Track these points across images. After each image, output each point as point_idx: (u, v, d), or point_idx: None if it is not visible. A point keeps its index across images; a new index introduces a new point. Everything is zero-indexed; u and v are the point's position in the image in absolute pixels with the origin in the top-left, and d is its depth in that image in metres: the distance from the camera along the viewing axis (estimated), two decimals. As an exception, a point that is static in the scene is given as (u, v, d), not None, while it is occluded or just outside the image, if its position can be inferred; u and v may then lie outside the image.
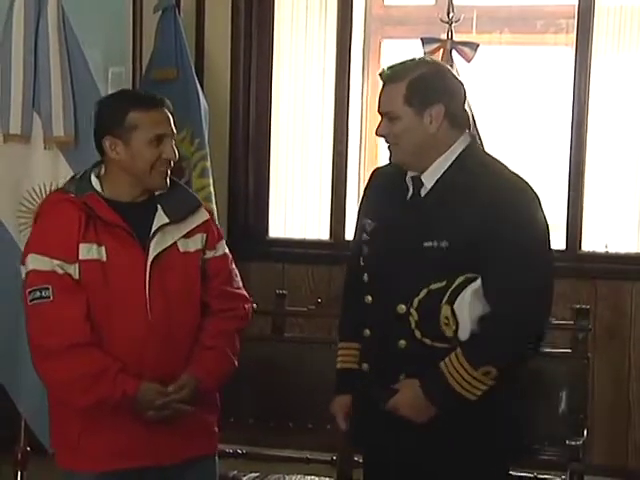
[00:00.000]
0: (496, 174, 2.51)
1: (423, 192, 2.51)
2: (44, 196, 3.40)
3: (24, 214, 3.42)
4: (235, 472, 3.33)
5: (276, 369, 3.28)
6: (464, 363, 2.39)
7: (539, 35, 4.74)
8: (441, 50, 4.20)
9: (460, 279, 2.42)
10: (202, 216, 2.75)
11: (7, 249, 3.41)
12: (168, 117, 2.67)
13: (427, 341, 2.45)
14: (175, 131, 2.69)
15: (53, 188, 3.41)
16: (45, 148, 3.42)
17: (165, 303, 2.65)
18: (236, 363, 2.78)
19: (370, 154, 4.89)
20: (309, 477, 3.34)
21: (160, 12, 4.30)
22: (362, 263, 2.60)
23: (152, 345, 2.64)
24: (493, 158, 2.57)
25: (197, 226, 2.73)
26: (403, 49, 4.79)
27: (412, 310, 2.45)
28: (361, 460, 2.84)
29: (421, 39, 4.24)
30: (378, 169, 2.73)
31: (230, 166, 4.72)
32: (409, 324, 2.46)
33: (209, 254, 2.76)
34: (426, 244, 2.44)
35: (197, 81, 4.28)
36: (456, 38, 4.19)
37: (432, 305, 2.43)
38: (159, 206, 2.69)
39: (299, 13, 4.79)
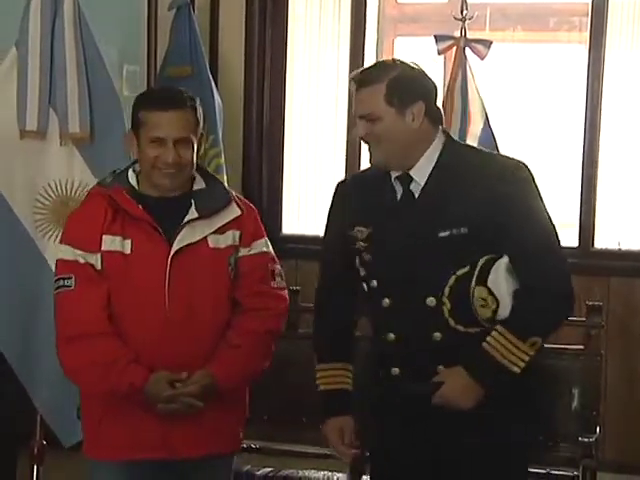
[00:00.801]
0: (490, 156, 2.63)
1: (415, 188, 2.51)
2: (60, 192, 3.41)
3: (40, 210, 3.42)
4: (249, 467, 3.33)
5: (290, 365, 3.28)
6: (512, 338, 2.41)
7: (552, 33, 4.73)
8: (454, 48, 4.19)
9: (482, 261, 2.45)
10: (233, 212, 2.73)
11: (23, 244, 3.41)
12: (177, 119, 2.64)
13: (460, 328, 2.46)
14: (188, 134, 2.64)
15: (69, 184, 3.42)
16: (61, 144, 3.41)
17: (187, 298, 2.65)
18: (266, 364, 2.76)
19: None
20: (322, 472, 3.34)
21: (175, 10, 4.31)
22: (362, 271, 2.57)
23: (169, 339, 2.64)
24: (468, 145, 2.63)
25: (229, 222, 2.71)
26: (416, 47, 4.79)
27: (444, 299, 2.45)
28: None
29: (434, 37, 4.23)
30: (342, 182, 2.74)
31: (244, 163, 4.73)
32: (442, 314, 2.46)
33: (243, 252, 2.73)
34: (442, 234, 2.45)
35: (211, 78, 4.28)
36: (469, 36, 4.18)
37: (463, 290, 2.44)
38: (193, 201, 2.69)
39: (313, 11, 4.79)
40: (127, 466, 2.70)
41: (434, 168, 2.51)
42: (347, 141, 4.72)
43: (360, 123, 2.50)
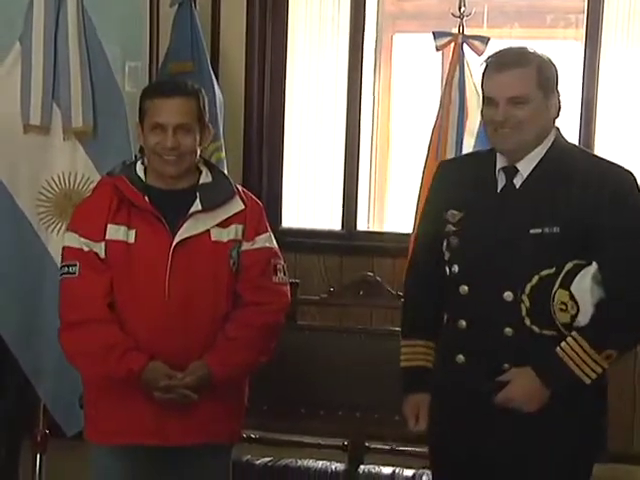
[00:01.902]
0: (596, 159, 2.55)
1: (518, 181, 2.47)
2: (63, 186, 3.42)
3: (43, 203, 3.43)
4: (249, 457, 3.34)
5: (289, 356, 3.28)
6: (587, 347, 2.37)
7: (549, 29, 4.72)
8: (452, 44, 4.18)
9: (569, 265, 2.41)
10: (237, 206, 2.74)
11: (27, 237, 3.42)
12: (178, 106, 2.66)
13: (535, 328, 2.42)
14: (188, 121, 2.66)
15: (72, 178, 3.43)
16: (64, 139, 3.42)
17: (186, 289, 2.66)
18: (263, 358, 2.76)
19: (382, 146, 4.89)
20: (321, 462, 3.35)
21: (176, 6, 4.30)
22: (447, 255, 2.54)
23: (168, 329, 2.66)
24: (576, 145, 2.57)
25: (233, 216, 2.72)
26: (415, 43, 4.78)
27: (524, 297, 2.42)
28: (431, 450, 2.72)
29: (433, 33, 4.22)
30: (445, 162, 2.71)
31: (244, 157, 4.72)
32: (519, 311, 2.42)
33: (245, 246, 2.74)
34: (533, 231, 2.41)
35: (212, 74, 4.28)
36: (467, 32, 4.17)
37: (544, 291, 2.40)
38: (198, 194, 2.69)
39: (313, 6, 4.78)
40: (124, 450, 2.73)
41: (539, 163, 2.47)
42: (346, 136, 4.71)
43: (500, 106, 2.43)
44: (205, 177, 2.76)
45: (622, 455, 4.40)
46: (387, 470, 3.29)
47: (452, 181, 2.60)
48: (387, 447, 3.33)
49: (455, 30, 4.18)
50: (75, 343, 2.70)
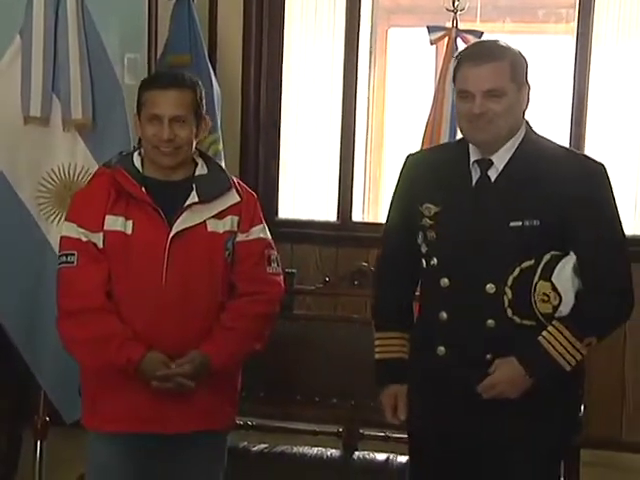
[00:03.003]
0: (566, 151, 2.56)
1: (492, 173, 2.47)
2: (63, 177, 3.42)
3: (43, 194, 3.43)
4: (245, 443, 3.33)
5: (285, 345, 3.28)
6: (569, 336, 2.39)
7: (540, 24, 4.73)
8: (446, 38, 4.17)
9: (547, 257, 2.41)
10: (232, 198, 2.73)
11: (28, 227, 3.42)
12: (174, 98, 2.64)
13: (517, 319, 2.43)
14: (184, 112, 2.65)
15: (71, 169, 3.42)
16: (64, 130, 3.41)
17: (183, 280, 2.66)
18: (258, 346, 2.75)
19: (377, 138, 4.89)
20: (316, 448, 3.34)
21: (175, 0, 4.29)
22: (424, 248, 2.53)
23: (164, 319, 2.65)
24: (545, 137, 2.56)
25: (228, 207, 2.71)
26: (409, 37, 4.78)
27: (506, 289, 2.41)
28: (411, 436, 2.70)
29: (427, 27, 4.21)
30: (413, 155, 2.66)
31: (241, 149, 4.72)
32: (502, 303, 2.42)
33: (240, 237, 2.73)
34: (513, 224, 2.41)
35: (210, 66, 4.27)
36: (461, 26, 4.16)
37: (525, 283, 2.41)
38: (194, 185, 2.69)
39: (309, 1, 4.77)
40: (121, 438, 2.72)
41: (513, 156, 2.47)
42: (342, 129, 4.71)
43: (477, 99, 2.41)
44: (201, 169, 2.75)
45: (611, 442, 4.42)
46: (381, 456, 3.28)
47: (423, 174, 2.58)
48: (381, 434, 3.33)
49: (449, 24, 4.17)
50: (73, 332, 2.69)
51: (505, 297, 2.42)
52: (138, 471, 2.76)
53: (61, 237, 2.76)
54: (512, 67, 2.43)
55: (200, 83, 2.75)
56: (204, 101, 2.74)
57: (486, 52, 2.46)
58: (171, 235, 2.65)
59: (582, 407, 2.97)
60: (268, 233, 2.82)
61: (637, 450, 4.44)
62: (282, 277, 2.82)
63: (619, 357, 4.46)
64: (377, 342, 2.66)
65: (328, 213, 4.81)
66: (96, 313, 2.65)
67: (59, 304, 2.74)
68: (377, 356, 2.66)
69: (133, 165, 2.72)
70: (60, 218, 3.38)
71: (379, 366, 2.66)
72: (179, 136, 2.65)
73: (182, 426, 2.70)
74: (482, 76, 2.41)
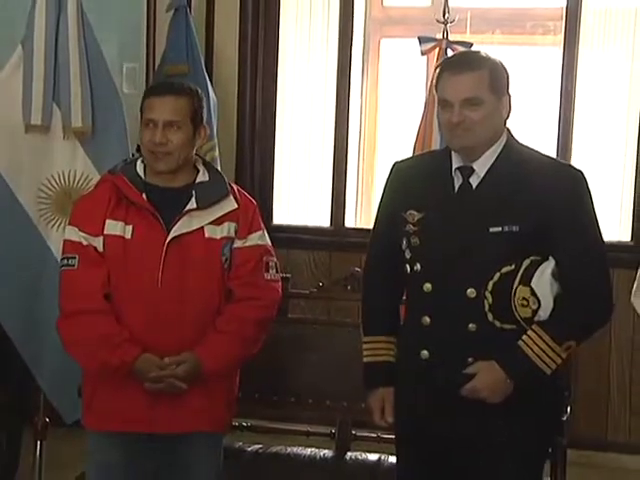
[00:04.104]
0: (547, 159, 2.53)
1: (474, 180, 2.46)
2: (63, 183, 3.41)
3: (44, 200, 3.42)
4: (240, 443, 3.33)
5: (280, 348, 3.28)
6: (548, 340, 2.38)
7: (529, 36, 4.74)
8: (437, 49, 4.18)
9: (527, 262, 2.41)
10: (230, 205, 2.72)
11: (27, 232, 3.42)
12: (170, 103, 2.65)
13: (497, 323, 2.42)
14: (178, 118, 2.65)
15: (71, 176, 3.42)
16: (64, 138, 3.41)
17: (179, 282, 2.66)
18: (253, 351, 2.74)
19: (369, 146, 4.89)
20: (309, 449, 3.34)
21: (172, 11, 4.29)
22: (408, 254, 2.52)
23: (160, 322, 2.65)
24: (526, 145, 2.54)
25: (226, 214, 2.70)
26: (401, 48, 4.78)
27: (487, 293, 2.40)
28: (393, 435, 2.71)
29: (418, 38, 4.22)
30: (400, 162, 2.65)
31: (237, 156, 4.72)
32: (482, 307, 2.41)
33: (238, 243, 2.72)
34: (492, 230, 2.40)
35: (207, 76, 4.28)
36: (451, 38, 4.17)
37: (505, 287, 2.40)
38: (194, 192, 2.68)
39: (303, 12, 4.78)
40: (118, 437, 2.72)
41: (494, 163, 2.46)
42: (335, 138, 4.72)
43: (455, 108, 2.40)
44: (202, 176, 2.75)
45: (597, 442, 4.42)
46: (373, 457, 3.28)
47: (408, 181, 2.57)
48: (373, 435, 3.32)
49: (440, 36, 4.18)
50: (72, 333, 2.70)
51: (486, 302, 2.42)
52: (136, 469, 2.76)
53: (64, 240, 2.76)
54: (490, 77, 2.41)
55: (200, 92, 2.75)
56: (204, 110, 2.74)
57: (465, 62, 2.46)
58: (168, 240, 2.65)
59: (568, 409, 2.99)
60: (268, 240, 2.81)
61: (621, 450, 4.44)
62: (280, 284, 2.81)
63: (604, 359, 4.47)
64: (365, 346, 2.66)
65: (321, 219, 4.81)
66: (93, 315, 2.65)
67: (60, 305, 2.75)
68: (365, 360, 2.65)
69: (136, 172, 2.73)
70: (60, 223, 3.39)
71: (367, 369, 2.66)
72: (171, 141, 2.65)
73: (173, 427, 2.70)
74: (460, 85, 2.41)
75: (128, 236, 2.67)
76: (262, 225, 2.81)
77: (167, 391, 2.64)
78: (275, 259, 2.80)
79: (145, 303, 2.65)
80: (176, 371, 2.62)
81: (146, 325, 2.65)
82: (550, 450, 2.83)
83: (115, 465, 2.76)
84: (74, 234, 2.71)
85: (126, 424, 2.69)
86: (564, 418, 2.84)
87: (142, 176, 2.72)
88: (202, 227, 2.68)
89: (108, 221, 2.68)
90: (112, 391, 2.69)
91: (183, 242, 2.67)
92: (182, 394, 2.65)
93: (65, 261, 2.72)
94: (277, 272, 2.79)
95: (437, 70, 2.55)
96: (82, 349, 2.69)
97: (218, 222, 2.70)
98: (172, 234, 2.66)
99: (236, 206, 2.73)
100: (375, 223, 2.69)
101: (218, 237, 2.70)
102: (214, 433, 2.79)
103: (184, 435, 2.71)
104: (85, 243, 2.69)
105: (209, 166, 2.81)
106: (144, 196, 2.69)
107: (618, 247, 4.38)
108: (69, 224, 2.78)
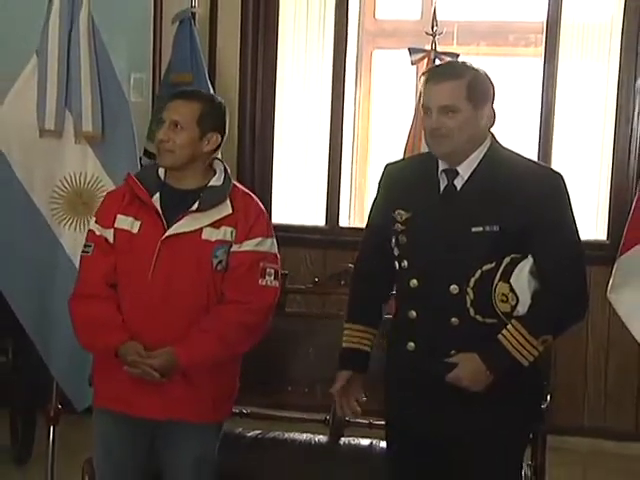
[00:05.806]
0: (528, 162, 2.52)
1: (458, 182, 2.46)
2: (74, 185, 3.42)
3: (56, 200, 3.43)
4: (240, 429, 3.34)
5: (278, 340, 3.28)
6: (525, 334, 2.38)
7: (511, 47, 4.76)
8: (426, 59, 4.20)
9: (507, 260, 2.41)
10: (225, 210, 2.68)
11: (41, 231, 3.41)
12: (179, 106, 2.68)
13: (479, 317, 2.42)
14: (181, 119, 2.65)
15: (82, 178, 3.43)
16: (75, 142, 3.41)
17: (166, 280, 2.65)
18: (233, 351, 2.69)
19: (362, 150, 4.91)
20: (305, 434, 3.35)
21: (178, 23, 4.30)
22: (397, 251, 2.52)
23: (148, 315, 2.65)
24: (510, 150, 2.54)
25: (223, 218, 2.67)
26: (392, 58, 4.80)
27: (468, 290, 2.41)
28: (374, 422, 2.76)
29: (408, 49, 4.25)
30: (391, 164, 2.65)
31: (238, 159, 4.73)
32: (464, 303, 2.42)
33: (234, 247, 2.67)
34: (474, 229, 2.40)
35: (210, 84, 4.28)
36: (439, 49, 4.20)
37: (486, 284, 2.40)
38: (201, 194, 2.69)
39: (300, 25, 4.80)
40: (122, 417, 2.72)
41: (477, 166, 2.46)
42: (330, 142, 4.74)
43: (433, 115, 2.41)
44: (216, 180, 2.73)
45: (575, 428, 4.44)
46: (365, 442, 3.28)
47: (398, 182, 2.57)
48: (365, 421, 3.32)
49: (428, 47, 4.21)
50: (77, 313, 2.75)
51: (467, 297, 2.42)
52: (133, 441, 2.77)
53: (87, 230, 2.83)
54: (469, 86, 2.40)
55: (219, 102, 2.76)
56: (218, 119, 2.74)
57: (446, 72, 2.46)
58: (163, 237, 2.66)
59: (548, 397, 3.01)
60: (270, 247, 2.73)
61: (598, 435, 4.47)
62: (277, 291, 2.73)
63: (581, 351, 4.50)
64: (344, 332, 2.65)
65: (317, 218, 4.82)
66: (94, 299, 2.70)
67: (74, 286, 2.80)
68: (343, 345, 2.65)
69: (155, 172, 2.74)
70: (71, 222, 3.41)
71: (341, 353, 2.65)
72: (172, 140, 2.66)
73: (154, 413, 2.69)
74: (439, 93, 2.41)
75: (135, 231, 2.70)
76: (268, 232, 2.73)
77: (144, 378, 2.61)
78: (276, 266, 2.72)
79: (137, 295, 2.67)
80: (151, 361, 2.61)
81: (135, 316, 2.66)
82: (531, 436, 2.85)
83: (113, 436, 2.77)
84: (93, 225, 2.78)
85: (116, 404, 2.71)
86: (544, 406, 2.83)
87: (162, 177, 2.74)
88: (201, 228, 2.67)
89: (119, 216, 2.71)
90: (106, 372, 2.73)
91: (179, 241, 2.66)
92: (163, 384, 2.63)
93: (85, 248, 2.79)
94: (275, 279, 2.71)
95: (422, 78, 2.56)
96: (80, 330, 2.74)
97: (216, 225, 2.67)
98: (169, 232, 2.66)
99: (230, 211, 2.68)
100: (368, 220, 2.70)
101: (213, 240, 2.66)
102: (198, 424, 2.73)
103: (170, 422, 2.70)
104: (98, 233, 2.74)
105: (225, 171, 2.79)
106: (157, 195, 2.69)
107: (595, 245, 4.40)
108: (93, 216, 2.84)
